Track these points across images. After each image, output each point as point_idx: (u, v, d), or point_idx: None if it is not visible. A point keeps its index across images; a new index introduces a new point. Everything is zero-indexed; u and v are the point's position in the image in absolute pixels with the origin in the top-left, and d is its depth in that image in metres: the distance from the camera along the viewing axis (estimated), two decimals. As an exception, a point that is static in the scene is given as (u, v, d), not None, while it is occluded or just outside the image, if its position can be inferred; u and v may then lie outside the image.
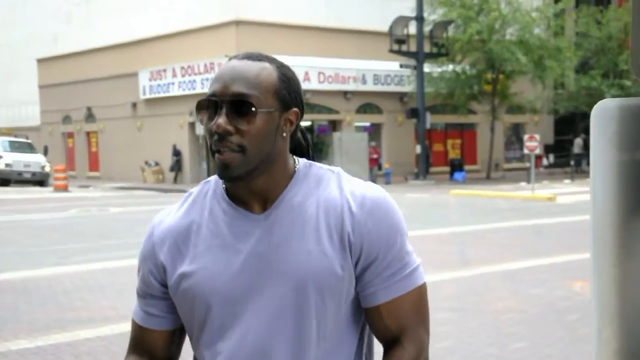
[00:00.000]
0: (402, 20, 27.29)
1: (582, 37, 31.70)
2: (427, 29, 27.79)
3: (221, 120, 1.25)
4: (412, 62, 27.68)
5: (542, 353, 5.09)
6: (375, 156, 28.25)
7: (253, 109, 1.27)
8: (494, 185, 24.64)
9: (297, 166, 1.40)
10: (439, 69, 28.51)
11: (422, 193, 22.09)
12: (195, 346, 1.41)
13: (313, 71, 28.67)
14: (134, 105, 31.28)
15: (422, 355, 1.37)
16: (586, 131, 37.63)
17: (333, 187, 1.37)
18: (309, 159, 1.47)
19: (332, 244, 1.32)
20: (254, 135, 1.27)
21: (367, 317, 1.39)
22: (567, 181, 27.05)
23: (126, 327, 6.86)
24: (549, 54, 27.45)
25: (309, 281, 1.30)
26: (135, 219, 15.02)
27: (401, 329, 1.36)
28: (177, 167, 29.12)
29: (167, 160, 29.65)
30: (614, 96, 30.83)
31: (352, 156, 26.40)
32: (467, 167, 30.36)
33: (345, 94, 30.68)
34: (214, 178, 1.41)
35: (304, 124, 24.45)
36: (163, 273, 1.38)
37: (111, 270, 8.94)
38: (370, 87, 30.97)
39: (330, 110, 31.05)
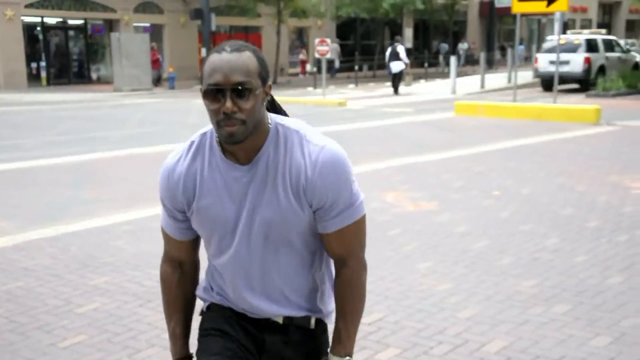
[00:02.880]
0: None
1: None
2: None
3: (228, 104, 1.66)
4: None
5: (373, 275, 4.69)
6: (157, 58, 26.58)
7: (252, 90, 1.68)
8: (283, 90, 24.31)
9: (270, 125, 1.81)
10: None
11: (211, 99, 21.15)
12: (208, 255, 1.95)
13: (84, -36, 25.99)
14: None
15: (362, 269, 1.89)
16: (366, 36, 38.52)
17: (297, 149, 1.79)
18: (273, 107, 1.92)
19: (294, 194, 1.79)
20: (250, 110, 1.69)
21: (322, 241, 1.88)
22: (351, 86, 27.49)
23: None
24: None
25: (279, 218, 1.80)
26: None
27: (346, 250, 1.85)
28: None
29: None
30: (390, 4, 31.58)
31: (134, 59, 24.53)
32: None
33: (121, -10, 28.28)
34: (210, 132, 1.85)
35: (76, 22, 22.02)
36: (182, 206, 1.87)
37: None
38: (149, -16, 28.81)
39: (105, 8, 28.49)
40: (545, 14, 37.36)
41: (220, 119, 1.67)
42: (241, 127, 1.68)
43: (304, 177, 1.77)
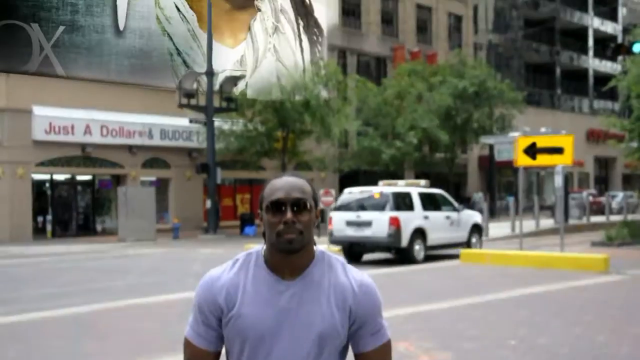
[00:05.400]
0: (191, 75, 26.66)
1: (361, 103, 33.23)
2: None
3: (289, 214, 1.98)
4: (202, 116, 27.04)
5: None
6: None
7: (308, 206, 2.01)
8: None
9: (316, 251, 2.10)
10: (228, 126, 28.21)
11: (216, 248, 21.10)
12: None
13: (95, 124, 27.45)
14: None
15: None
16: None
17: (340, 272, 2.09)
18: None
19: (337, 311, 2.03)
20: (306, 223, 2.01)
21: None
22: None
23: None
24: (331, 113, 28.43)
25: (319, 332, 2.00)
26: None
27: None
28: None
29: None
30: (390, 157, 32.45)
31: (140, 212, 24.77)
32: (257, 222, 29.89)
33: (130, 148, 29.05)
34: (255, 251, 2.10)
35: (84, 178, 22.34)
36: (220, 312, 2.05)
37: None
38: (157, 141, 29.67)
39: (114, 165, 29.16)
40: (545, 167, 38.16)
41: (281, 229, 1.96)
42: (299, 236, 1.97)
43: (351, 295, 2.03)
